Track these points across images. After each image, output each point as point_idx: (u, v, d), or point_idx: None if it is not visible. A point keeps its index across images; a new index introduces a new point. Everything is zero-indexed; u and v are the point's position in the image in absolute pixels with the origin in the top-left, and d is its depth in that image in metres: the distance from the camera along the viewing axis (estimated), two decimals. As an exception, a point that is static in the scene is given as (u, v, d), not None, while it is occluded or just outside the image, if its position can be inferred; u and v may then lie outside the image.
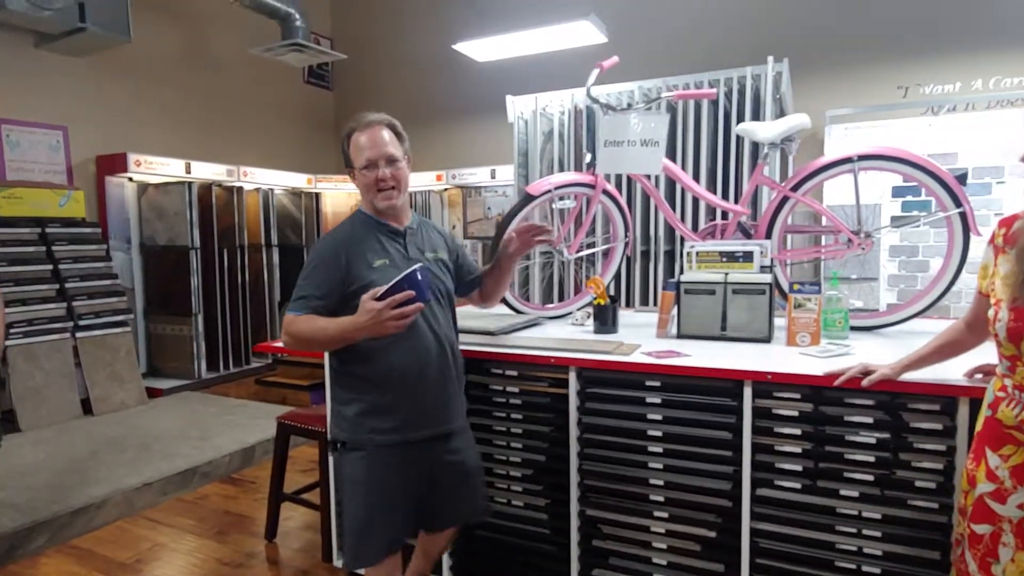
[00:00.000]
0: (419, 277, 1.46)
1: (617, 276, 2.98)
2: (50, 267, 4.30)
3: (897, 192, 4.24)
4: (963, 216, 2.04)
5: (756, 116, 3.65)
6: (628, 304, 4.00)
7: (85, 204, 4.61)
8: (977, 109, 4.24)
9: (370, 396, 1.63)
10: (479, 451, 1.89)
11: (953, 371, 1.51)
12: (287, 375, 4.95)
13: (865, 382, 1.49)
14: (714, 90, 2.33)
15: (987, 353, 1.43)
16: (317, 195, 6.39)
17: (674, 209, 3.76)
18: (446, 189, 6.10)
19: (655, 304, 3.91)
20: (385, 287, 1.45)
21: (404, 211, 1.74)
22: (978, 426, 1.30)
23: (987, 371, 1.44)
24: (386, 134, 1.65)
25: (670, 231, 3.92)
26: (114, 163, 4.80)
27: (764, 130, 2.28)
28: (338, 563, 2.39)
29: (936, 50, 4.46)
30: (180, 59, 5.56)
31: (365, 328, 1.47)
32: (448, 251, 1.82)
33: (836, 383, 1.53)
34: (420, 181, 6.17)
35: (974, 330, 1.41)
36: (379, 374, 1.62)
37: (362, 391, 1.63)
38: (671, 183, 3.75)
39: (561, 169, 4.21)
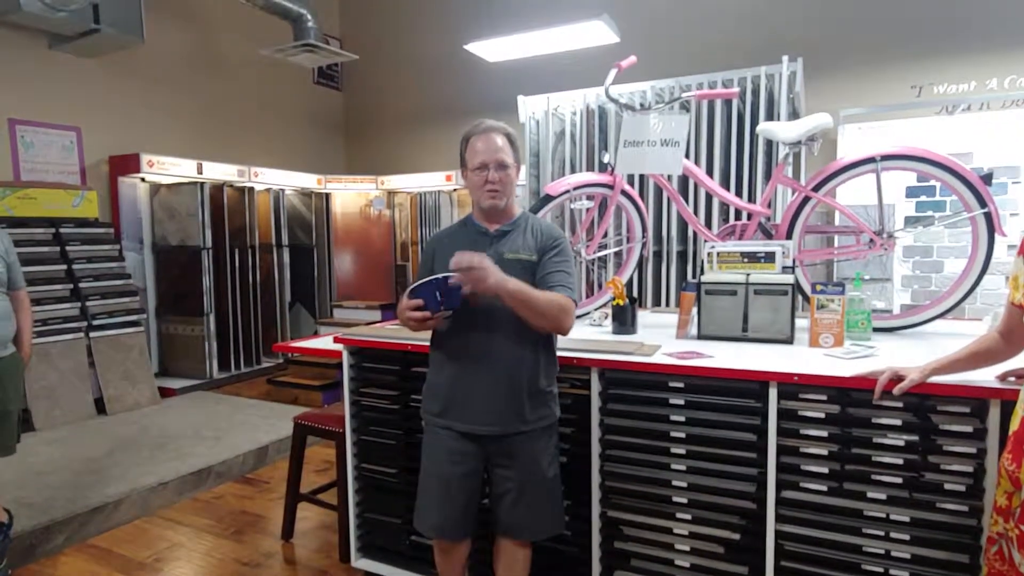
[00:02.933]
0: (433, 288, 1.59)
1: (629, 277, 2.99)
2: (64, 267, 4.32)
3: (911, 192, 4.22)
4: (988, 216, 2.02)
5: (770, 116, 3.64)
6: (641, 305, 3.99)
7: (98, 204, 4.63)
8: (992, 108, 4.21)
9: (431, 377, 1.81)
10: (554, 467, 1.79)
11: (984, 373, 1.49)
12: (299, 375, 4.95)
13: (896, 390, 1.47)
14: (736, 90, 2.32)
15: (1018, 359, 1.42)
16: (327, 195, 6.41)
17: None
18: (455, 189, 6.10)
19: (667, 305, 3.89)
20: (410, 287, 1.62)
21: (505, 214, 1.79)
22: (1014, 426, 1.28)
23: (1021, 375, 1.43)
24: (500, 140, 1.74)
25: (683, 231, 3.90)
26: (127, 163, 4.82)
27: (785, 130, 2.27)
28: (355, 563, 2.39)
29: (950, 49, 4.43)
30: (192, 60, 5.58)
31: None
32: (536, 252, 1.74)
33: (875, 399, 1.52)
34: (430, 181, 6.19)
35: (1009, 341, 1.39)
36: (437, 358, 1.79)
37: (430, 371, 1.82)
38: (683, 183, 3.74)
39: (573, 170, 4.20)
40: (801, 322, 2.18)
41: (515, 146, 1.79)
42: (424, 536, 1.83)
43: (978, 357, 1.44)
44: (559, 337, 1.91)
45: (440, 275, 1.61)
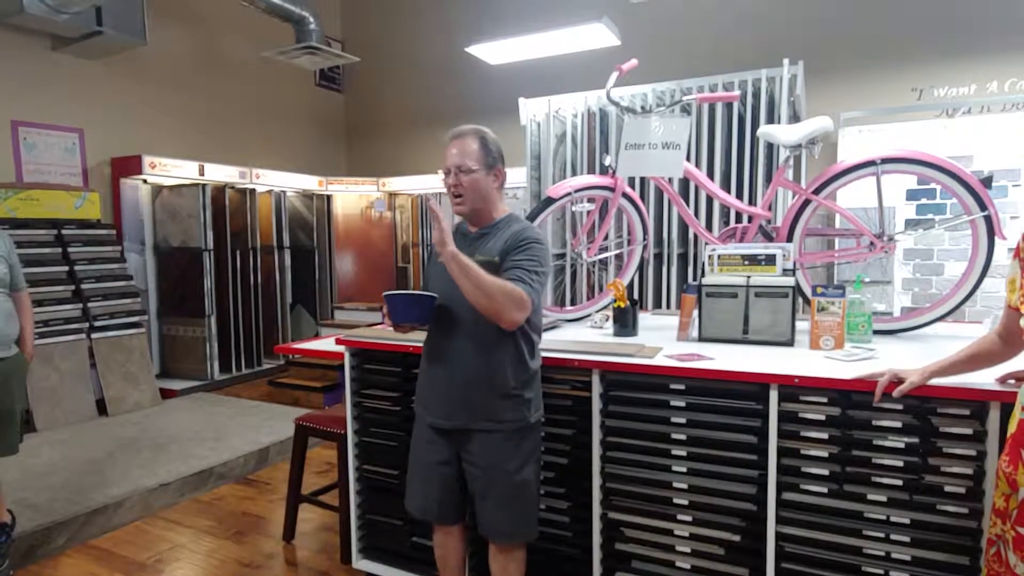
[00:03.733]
0: (397, 301, 1.68)
1: (630, 279, 3.01)
2: (66, 268, 4.34)
3: (912, 195, 4.23)
4: (988, 219, 2.03)
5: (770, 119, 3.64)
6: (641, 307, 3.99)
7: (100, 206, 4.65)
8: (992, 111, 4.22)
9: (420, 370, 1.88)
10: (526, 472, 1.77)
11: (984, 375, 1.50)
12: (300, 376, 4.96)
13: (896, 393, 1.48)
14: (737, 93, 2.32)
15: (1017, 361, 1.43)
16: (328, 197, 6.42)
17: (689, 212, 3.76)
18: (457, 191, 6.11)
19: (668, 307, 3.90)
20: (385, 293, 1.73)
21: (483, 216, 1.80)
22: (1012, 428, 1.29)
23: (1020, 377, 1.43)
24: (472, 145, 1.75)
25: (683, 234, 3.91)
26: (129, 165, 4.84)
27: (786, 133, 2.27)
28: (356, 564, 2.39)
29: (951, 52, 4.45)
30: (194, 62, 5.59)
31: None
32: (499, 254, 1.73)
33: (875, 402, 1.53)
34: (431, 183, 6.21)
35: (1007, 343, 1.40)
36: (423, 354, 1.87)
37: (420, 364, 1.89)
38: (683, 186, 3.75)
39: (574, 172, 4.21)
40: (802, 324, 2.19)
41: (489, 149, 1.77)
42: (412, 516, 1.90)
43: (977, 359, 1.44)
44: (559, 339, 1.92)
45: (406, 291, 1.71)
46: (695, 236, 3.83)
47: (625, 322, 2.27)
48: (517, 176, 5.52)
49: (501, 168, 1.81)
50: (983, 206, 2.03)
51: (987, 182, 2.02)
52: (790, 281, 2.07)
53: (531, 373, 1.78)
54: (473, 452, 1.76)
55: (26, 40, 4.41)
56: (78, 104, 4.75)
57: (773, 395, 1.68)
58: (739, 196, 3.71)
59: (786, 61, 3.51)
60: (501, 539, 1.80)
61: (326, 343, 2.47)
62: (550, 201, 2.34)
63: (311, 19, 5.19)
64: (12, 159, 4.40)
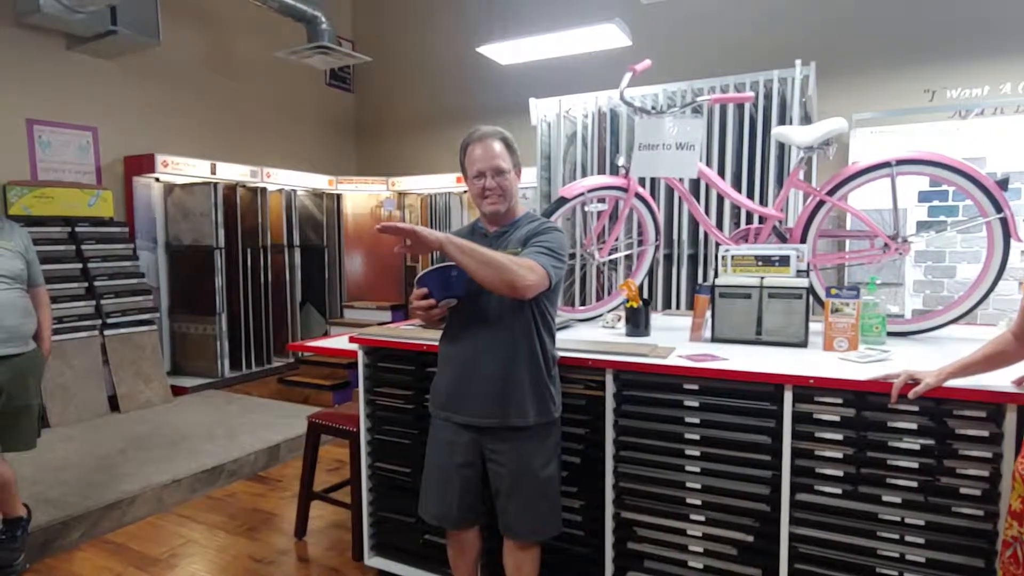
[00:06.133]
0: (436, 276, 1.65)
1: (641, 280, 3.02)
2: (79, 266, 4.37)
3: (923, 197, 4.21)
4: (1003, 221, 2.02)
5: (782, 120, 3.63)
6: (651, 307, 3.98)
7: (113, 204, 4.68)
8: (1006, 113, 4.19)
9: (437, 372, 1.87)
10: (550, 468, 1.79)
11: (1000, 378, 1.50)
12: (310, 374, 4.99)
13: (912, 394, 1.48)
14: (751, 94, 2.32)
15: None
16: (338, 196, 6.45)
17: (699, 212, 3.75)
18: (465, 191, 6.12)
19: (678, 308, 3.90)
20: (418, 276, 1.68)
21: (507, 216, 1.82)
22: (1030, 432, 1.29)
23: (1037, 378, 1.43)
24: (497, 146, 1.75)
25: (694, 234, 3.90)
26: (142, 164, 4.87)
27: (801, 135, 2.27)
28: (368, 562, 2.41)
29: (964, 53, 4.42)
30: (207, 62, 5.63)
31: None
32: (522, 244, 1.76)
33: (891, 403, 1.53)
34: (440, 183, 6.22)
35: (1022, 342, 1.40)
36: (441, 352, 1.86)
37: (437, 366, 1.88)
38: (693, 186, 3.74)
39: (584, 172, 4.21)
40: (815, 326, 2.19)
41: (513, 149, 1.79)
42: (428, 523, 1.90)
43: (993, 359, 1.44)
44: (572, 339, 1.92)
45: (444, 264, 1.66)
46: (705, 236, 3.82)
47: (638, 322, 2.27)
48: (527, 176, 5.52)
49: (520, 168, 1.85)
50: (999, 208, 2.02)
51: (1003, 184, 2.02)
52: (804, 282, 2.07)
53: (555, 361, 1.83)
54: (500, 451, 1.75)
55: (42, 39, 4.45)
56: (92, 103, 4.79)
57: (787, 396, 1.68)
58: (750, 197, 3.70)
59: (798, 62, 3.50)
60: (525, 537, 1.81)
61: (339, 341, 2.48)
62: (563, 201, 2.34)
63: (323, 19, 5.22)
64: (27, 157, 4.44)
